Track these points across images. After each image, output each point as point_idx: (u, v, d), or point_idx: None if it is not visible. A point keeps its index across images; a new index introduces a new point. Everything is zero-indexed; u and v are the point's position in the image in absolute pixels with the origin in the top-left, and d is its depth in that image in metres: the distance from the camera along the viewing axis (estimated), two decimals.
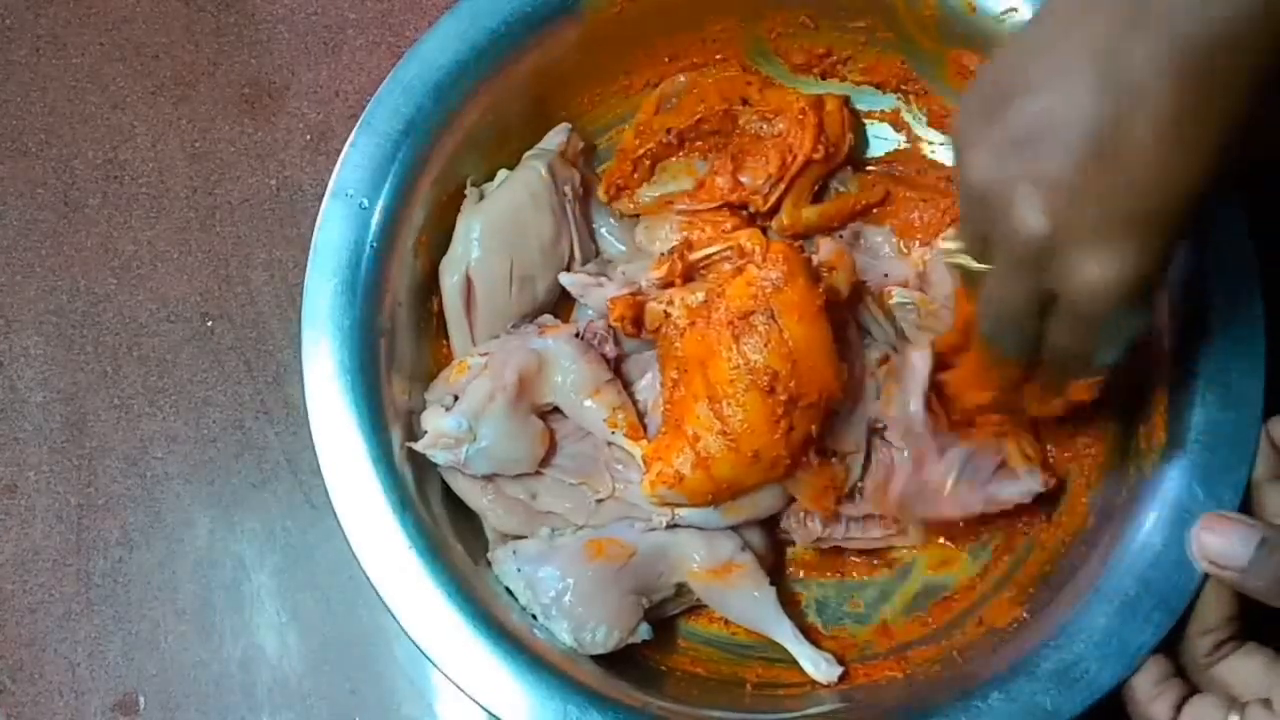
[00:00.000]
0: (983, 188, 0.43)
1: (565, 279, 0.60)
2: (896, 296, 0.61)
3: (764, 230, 0.61)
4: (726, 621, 0.60)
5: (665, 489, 0.54)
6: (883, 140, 0.67)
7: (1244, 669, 0.50)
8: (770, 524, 0.59)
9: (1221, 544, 0.50)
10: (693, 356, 0.55)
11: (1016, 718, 0.50)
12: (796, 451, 0.54)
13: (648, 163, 0.64)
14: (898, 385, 0.57)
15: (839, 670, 0.57)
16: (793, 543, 0.61)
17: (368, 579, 0.53)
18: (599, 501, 0.58)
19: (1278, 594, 0.49)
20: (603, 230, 0.65)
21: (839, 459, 0.57)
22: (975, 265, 0.46)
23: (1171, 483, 0.53)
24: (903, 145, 0.66)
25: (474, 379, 0.57)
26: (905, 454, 0.57)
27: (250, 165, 0.71)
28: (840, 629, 0.60)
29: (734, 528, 0.58)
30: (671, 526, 0.57)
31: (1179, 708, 0.49)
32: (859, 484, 0.58)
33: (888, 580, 0.61)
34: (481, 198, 0.61)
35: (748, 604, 0.58)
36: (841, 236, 0.63)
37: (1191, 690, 0.50)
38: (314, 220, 0.57)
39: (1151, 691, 0.50)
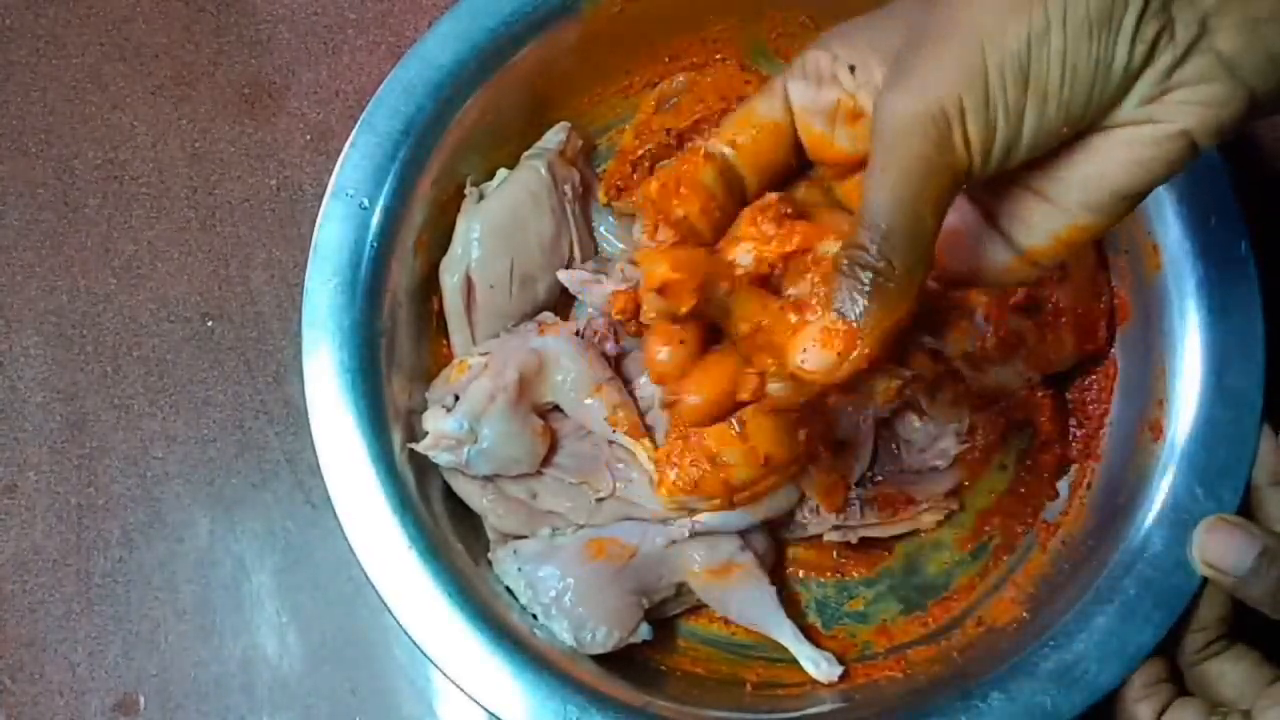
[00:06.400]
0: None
1: (564, 275, 0.60)
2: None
3: None
4: (726, 621, 0.60)
5: (683, 495, 0.54)
6: None
7: (1230, 670, 0.50)
8: (770, 524, 0.59)
9: (1222, 549, 0.50)
10: None
11: (1017, 718, 0.50)
12: (812, 451, 0.54)
13: (647, 163, 0.64)
14: None
15: (839, 670, 0.57)
16: (794, 541, 0.61)
17: (368, 579, 0.53)
18: (599, 501, 0.58)
19: (1274, 604, 0.49)
20: (602, 229, 0.65)
21: (846, 449, 0.57)
22: None
23: (1171, 483, 0.53)
24: None
25: (474, 379, 0.57)
26: None
27: (250, 165, 0.71)
28: (840, 629, 0.60)
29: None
30: (694, 535, 0.57)
31: (1164, 711, 0.49)
32: (868, 472, 0.58)
33: (888, 580, 0.61)
34: (481, 197, 0.61)
35: (748, 604, 0.58)
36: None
37: (1181, 695, 0.50)
38: (314, 220, 0.57)
39: (1141, 693, 0.50)
